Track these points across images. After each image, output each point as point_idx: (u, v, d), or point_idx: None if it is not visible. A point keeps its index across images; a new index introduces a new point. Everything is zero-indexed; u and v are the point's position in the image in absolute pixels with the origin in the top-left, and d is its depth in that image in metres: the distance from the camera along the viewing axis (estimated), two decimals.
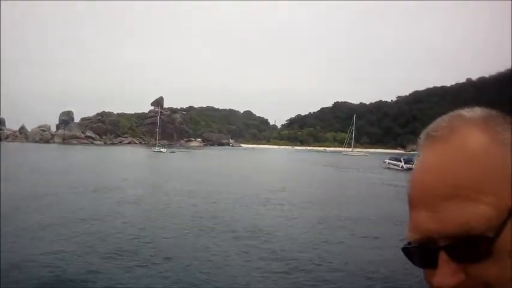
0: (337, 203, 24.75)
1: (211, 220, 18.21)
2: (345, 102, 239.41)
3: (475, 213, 0.58)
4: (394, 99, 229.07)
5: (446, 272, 0.60)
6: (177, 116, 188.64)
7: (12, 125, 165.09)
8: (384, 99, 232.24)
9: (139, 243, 13.92)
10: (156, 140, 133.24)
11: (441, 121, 0.68)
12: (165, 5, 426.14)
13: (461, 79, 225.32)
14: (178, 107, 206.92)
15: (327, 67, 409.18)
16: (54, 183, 30.01)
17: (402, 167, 61.32)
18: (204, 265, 11.70)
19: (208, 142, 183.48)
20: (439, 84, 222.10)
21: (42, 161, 55.03)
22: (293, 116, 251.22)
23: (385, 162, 68.97)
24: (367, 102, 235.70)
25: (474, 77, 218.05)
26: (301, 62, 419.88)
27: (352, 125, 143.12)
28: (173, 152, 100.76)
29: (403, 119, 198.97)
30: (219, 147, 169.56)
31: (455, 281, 0.60)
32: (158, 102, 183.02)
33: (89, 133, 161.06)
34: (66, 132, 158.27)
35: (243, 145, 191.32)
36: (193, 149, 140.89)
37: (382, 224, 18.37)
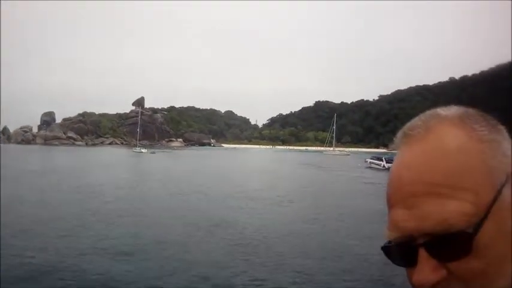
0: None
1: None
2: (327, 102, 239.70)
3: (453, 210, 0.59)
4: (376, 98, 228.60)
5: (426, 269, 0.60)
6: (158, 116, 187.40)
7: None
8: (365, 99, 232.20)
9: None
10: (137, 140, 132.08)
11: (417, 120, 0.68)
12: (145, 5, 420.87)
13: (444, 78, 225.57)
14: (160, 107, 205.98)
15: (308, 66, 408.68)
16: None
17: (384, 166, 60.66)
18: None
19: (189, 142, 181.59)
20: (421, 83, 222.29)
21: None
22: (274, 116, 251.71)
23: (367, 161, 68.23)
24: (349, 102, 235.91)
25: (457, 76, 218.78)
26: (282, 62, 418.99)
27: (333, 124, 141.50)
28: (153, 153, 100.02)
29: (385, 118, 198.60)
30: (200, 147, 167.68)
31: (436, 277, 0.60)
32: (139, 103, 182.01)
33: (70, 134, 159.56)
34: (48, 133, 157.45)
35: (224, 145, 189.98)
36: (174, 149, 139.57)
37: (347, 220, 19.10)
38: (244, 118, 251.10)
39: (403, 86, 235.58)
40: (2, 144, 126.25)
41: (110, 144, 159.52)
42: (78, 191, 26.43)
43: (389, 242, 0.66)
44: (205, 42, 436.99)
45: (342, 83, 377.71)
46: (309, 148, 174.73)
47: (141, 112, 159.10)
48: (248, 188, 31.07)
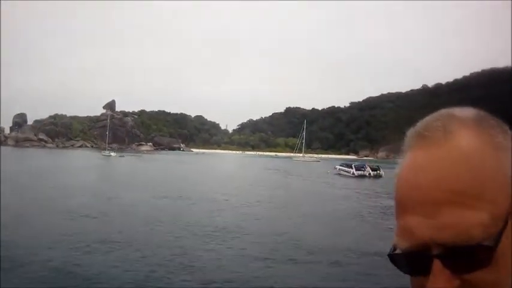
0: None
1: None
2: (298, 108, 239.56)
3: (473, 221, 0.56)
4: (347, 105, 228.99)
5: (441, 280, 0.58)
6: (129, 119, 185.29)
7: None
8: (337, 105, 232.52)
9: None
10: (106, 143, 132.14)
11: (433, 120, 0.65)
12: (116, 8, 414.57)
13: (417, 86, 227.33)
14: (131, 111, 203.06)
15: (279, 72, 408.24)
16: None
17: (353, 173, 59.84)
18: None
19: (159, 146, 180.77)
20: (393, 91, 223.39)
21: None
22: (245, 121, 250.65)
23: (336, 168, 67.01)
24: (320, 108, 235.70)
25: (430, 83, 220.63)
26: (253, 67, 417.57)
27: (303, 130, 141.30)
28: (122, 156, 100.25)
29: (356, 124, 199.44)
30: (169, 151, 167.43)
31: (451, 287, 0.58)
32: (110, 106, 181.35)
33: (41, 136, 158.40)
34: (20, 135, 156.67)
35: (194, 150, 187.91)
36: (144, 153, 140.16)
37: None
38: (215, 123, 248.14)
39: (375, 93, 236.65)
40: None
41: (80, 147, 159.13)
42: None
43: (394, 248, 0.64)
44: (177, 47, 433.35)
45: (313, 89, 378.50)
46: (279, 154, 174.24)
47: (112, 115, 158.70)
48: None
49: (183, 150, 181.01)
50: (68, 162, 69.35)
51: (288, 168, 75.86)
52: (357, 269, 13.43)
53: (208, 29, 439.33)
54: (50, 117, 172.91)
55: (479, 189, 0.57)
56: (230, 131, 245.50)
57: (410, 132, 0.67)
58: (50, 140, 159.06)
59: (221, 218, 21.79)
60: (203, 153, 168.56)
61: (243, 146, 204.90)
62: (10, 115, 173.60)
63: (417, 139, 0.64)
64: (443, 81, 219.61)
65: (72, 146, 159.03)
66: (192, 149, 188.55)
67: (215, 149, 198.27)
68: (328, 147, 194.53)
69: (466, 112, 0.64)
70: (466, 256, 0.57)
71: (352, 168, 61.61)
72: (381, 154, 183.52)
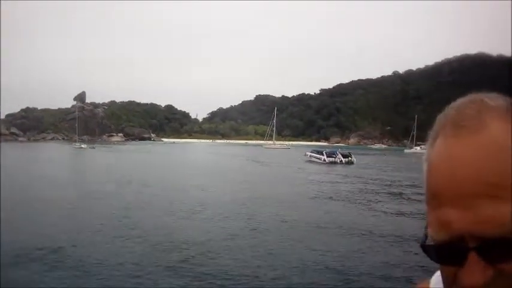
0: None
1: None
2: (267, 95, 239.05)
3: (508, 214, 0.56)
4: (318, 92, 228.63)
5: (477, 270, 0.59)
6: (99, 110, 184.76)
7: None
8: (306, 92, 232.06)
9: None
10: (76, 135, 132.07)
11: (465, 108, 0.63)
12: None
13: (388, 72, 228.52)
14: (101, 102, 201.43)
15: (249, 60, 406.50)
16: None
17: (324, 160, 59.18)
18: None
19: (129, 137, 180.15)
20: (364, 77, 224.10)
21: None
22: (215, 110, 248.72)
23: (307, 154, 66.16)
24: (290, 95, 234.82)
25: (401, 70, 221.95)
26: (222, 55, 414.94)
27: (274, 117, 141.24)
28: (93, 148, 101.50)
29: (326, 111, 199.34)
30: (140, 141, 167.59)
31: (485, 278, 0.59)
32: (80, 97, 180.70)
33: (13, 130, 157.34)
34: None
35: (164, 139, 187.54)
36: (114, 144, 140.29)
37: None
38: (184, 112, 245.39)
39: (346, 80, 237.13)
40: None
41: (51, 139, 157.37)
42: None
43: (426, 239, 0.64)
44: (146, 37, 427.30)
45: (283, 76, 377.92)
46: (249, 142, 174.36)
47: (82, 107, 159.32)
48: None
49: (153, 140, 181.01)
50: (35, 156, 67.68)
51: (256, 156, 75.51)
52: None
53: (177, 18, 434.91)
54: (22, 110, 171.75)
55: None
56: (200, 119, 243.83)
57: (442, 119, 0.65)
58: (22, 133, 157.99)
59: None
60: (173, 142, 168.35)
61: (213, 134, 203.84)
62: None
63: (450, 127, 0.62)
64: (414, 67, 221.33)
65: (43, 139, 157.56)
66: (162, 139, 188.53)
67: (185, 138, 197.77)
68: (298, 134, 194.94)
69: (498, 100, 0.63)
70: (501, 248, 0.57)
71: (323, 155, 60.84)
72: (352, 140, 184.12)
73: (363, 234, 15.85)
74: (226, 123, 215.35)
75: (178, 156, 74.74)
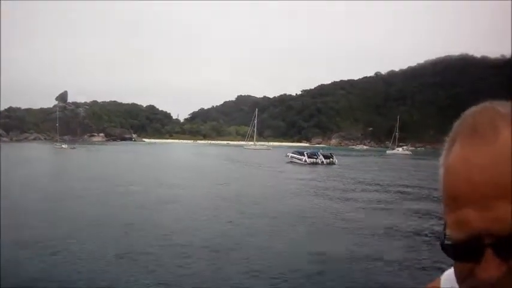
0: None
1: None
2: (249, 96, 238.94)
3: None
4: (299, 92, 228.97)
5: (492, 266, 0.63)
6: (81, 110, 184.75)
7: None
8: (288, 93, 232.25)
9: None
10: (57, 135, 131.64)
11: (480, 116, 0.68)
12: None
13: (370, 73, 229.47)
14: (83, 102, 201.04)
15: (231, 60, 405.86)
16: None
17: (305, 161, 58.97)
18: None
19: (111, 137, 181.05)
20: (346, 78, 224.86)
21: None
22: (196, 110, 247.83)
23: (288, 155, 65.73)
24: (271, 96, 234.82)
25: (383, 71, 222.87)
26: (204, 55, 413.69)
27: (254, 118, 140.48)
28: (74, 148, 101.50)
29: (308, 112, 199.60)
30: (121, 142, 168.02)
31: (500, 273, 0.63)
32: (62, 97, 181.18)
33: None
34: None
35: (146, 140, 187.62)
36: (95, 144, 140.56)
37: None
38: (166, 112, 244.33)
39: (327, 81, 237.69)
40: None
41: (34, 139, 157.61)
42: None
43: (445, 237, 0.69)
44: (128, 36, 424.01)
45: (265, 77, 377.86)
46: (231, 142, 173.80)
47: (64, 107, 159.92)
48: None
49: (134, 141, 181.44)
50: (14, 157, 65.77)
51: (237, 157, 75.29)
52: None
53: (159, 18, 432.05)
54: (5, 110, 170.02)
55: None
56: (182, 120, 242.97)
57: (459, 126, 0.70)
58: (5, 133, 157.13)
59: None
60: (154, 143, 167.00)
61: (195, 135, 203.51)
62: None
63: (467, 134, 0.67)
64: (396, 68, 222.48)
65: (25, 139, 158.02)
66: (143, 139, 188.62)
67: (167, 138, 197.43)
68: (280, 135, 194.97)
69: (508, 108, 0.68)
70: None
71: (304, 155, 60.66)
72: (334, 141, 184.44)
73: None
74: (208, 124, 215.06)
75: (162, 159, 73.07)
